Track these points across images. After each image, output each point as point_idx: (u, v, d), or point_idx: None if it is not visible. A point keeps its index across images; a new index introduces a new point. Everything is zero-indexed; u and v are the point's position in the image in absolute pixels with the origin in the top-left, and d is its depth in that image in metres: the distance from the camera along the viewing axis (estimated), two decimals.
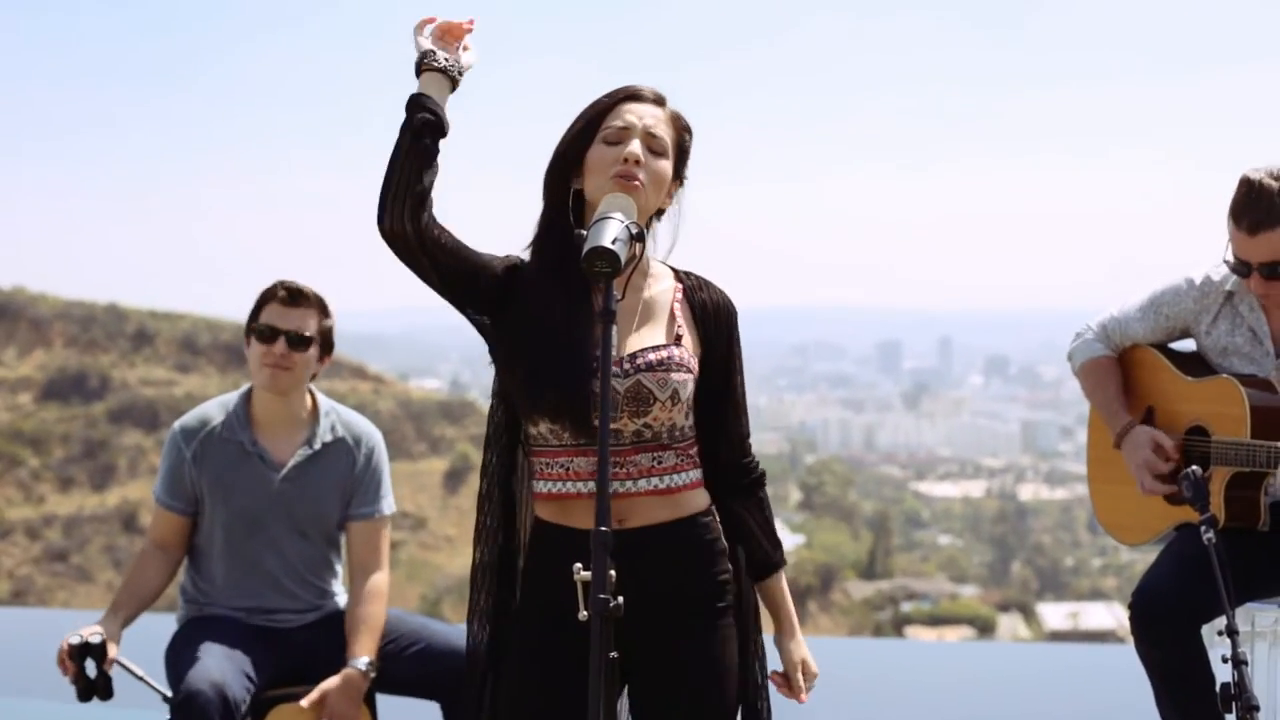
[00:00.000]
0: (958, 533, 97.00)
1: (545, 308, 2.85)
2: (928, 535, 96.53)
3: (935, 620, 69.51)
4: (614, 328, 2.57)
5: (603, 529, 2.43)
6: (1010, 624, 72.50)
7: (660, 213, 2.96)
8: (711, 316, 2.97)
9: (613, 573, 2.43)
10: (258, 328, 4.23)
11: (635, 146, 2.85)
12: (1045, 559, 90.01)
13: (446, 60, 2.85)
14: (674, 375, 2.84)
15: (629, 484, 2.84)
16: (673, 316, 2.92)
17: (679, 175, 2.96)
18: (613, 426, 2.81)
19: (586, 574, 2.46)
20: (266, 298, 4.25)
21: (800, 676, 3.03)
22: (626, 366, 2.83)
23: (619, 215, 2.64)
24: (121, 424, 73.91)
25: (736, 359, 2.99)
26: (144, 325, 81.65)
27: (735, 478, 2.99)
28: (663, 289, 2.96)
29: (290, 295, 4.23)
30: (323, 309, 4.28)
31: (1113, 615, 72.93)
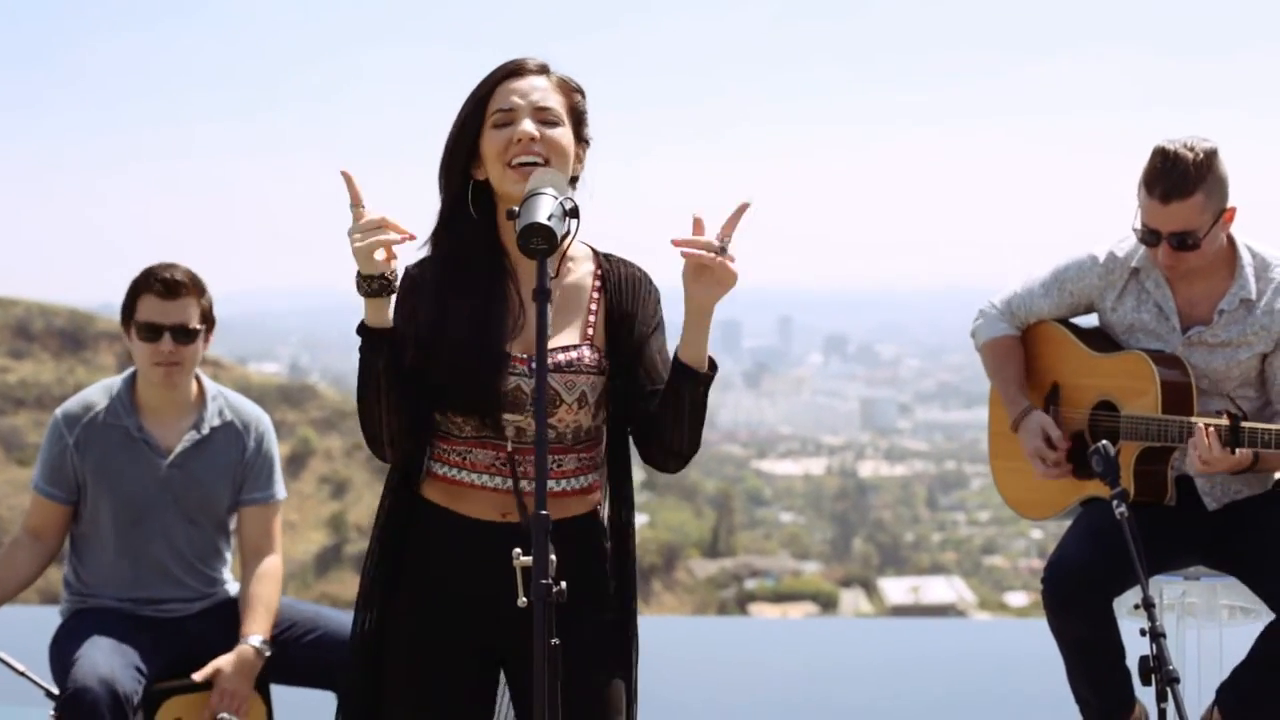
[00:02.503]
0: (799, 510, 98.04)
1: (452, 301, 2.79)
2: (770, 513, 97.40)
3: (778, 597, 70.27)
4: (549, 309, 2.47)
5: (542, 512, 2.36)
6: (852, 599, 73.54)
7: (574, 180, 2.88)
8: (629, 292, 2.87)
9: (553, 558, 2.35)
10: (139, 325, 4.07)
11: (526, 125, 2.78)
12: (886, 535, 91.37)
13: (390, 282, 2.72)
14: (582, 378, 2.79)
15: (524, 483, 2.77)
16: (589, 310, 2.85)
17: (580, 138, 2.88)
18: (518, 425, 2.77)
19: (526, 559, 2.39)
20: (140, 289, 4.09)
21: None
22: (535, 366, 2.72)
23: (550, 190, 2.55)
24: None
25: (658, 333, 2.87)
26: None
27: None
28: (582, 274, 2.88)
29: (166, 287, 4.06)
30: (199, 289, 4.12)
31: (953, 589, 74.37)
